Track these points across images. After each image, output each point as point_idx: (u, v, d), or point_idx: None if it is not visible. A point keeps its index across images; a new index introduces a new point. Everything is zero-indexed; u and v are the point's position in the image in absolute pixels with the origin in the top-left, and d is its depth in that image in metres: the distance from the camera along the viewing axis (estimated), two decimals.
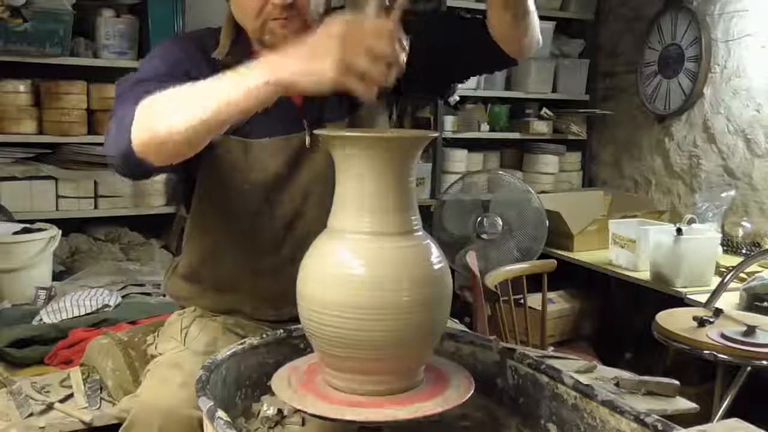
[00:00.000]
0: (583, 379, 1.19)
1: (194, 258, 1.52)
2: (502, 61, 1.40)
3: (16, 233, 2.61)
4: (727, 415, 2.22)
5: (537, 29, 1.36)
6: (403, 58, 1.00)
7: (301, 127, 1.41)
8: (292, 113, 1.41)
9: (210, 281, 1.51)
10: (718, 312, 2.30)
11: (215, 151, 1.37)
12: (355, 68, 0.96)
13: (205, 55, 1.38)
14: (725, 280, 2.46)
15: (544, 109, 4.11)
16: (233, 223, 1.44)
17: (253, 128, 1.38)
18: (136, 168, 1.17)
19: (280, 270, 1.43)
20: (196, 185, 1.44)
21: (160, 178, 2.96)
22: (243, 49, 1.40)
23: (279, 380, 1.12)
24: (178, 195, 1.51)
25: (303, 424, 1.18)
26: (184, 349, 1.43)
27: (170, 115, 1.09)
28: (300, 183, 1.43)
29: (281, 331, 1.29)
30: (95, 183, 3.03)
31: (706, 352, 2.12)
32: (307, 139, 1.41)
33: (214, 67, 1.35)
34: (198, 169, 1.41)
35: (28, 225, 2.69)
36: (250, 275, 1.46)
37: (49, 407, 1.62)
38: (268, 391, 1.19)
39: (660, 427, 0.98)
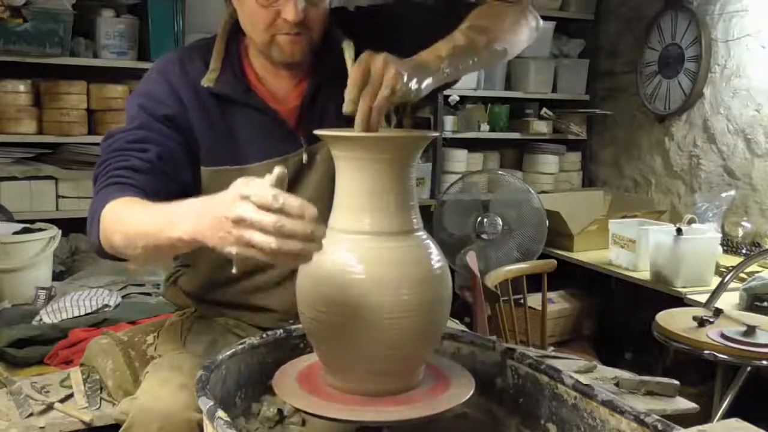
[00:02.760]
0: (583, 379, 1.19)
1: (195, 279, 1.53)
2: None
3: (16, 233, 2.61)
4: (727, 415, 2.22)
5: (524, 22, 1.36)
6: (293, 231, 0.88)
7: (298, 145, 1.40)
8: (288, 133, 1.40)
9: (211, 299, 1.51)
10: (718, 312, 2.30)
11: (212, 183, 1.37)
12: (251, 244, 0.89)
13: (194, 85, 1.37)
14: (725, 280, 2.46)
15: (544, 109, 4.11)
16: None
17: (250, 153, 1.38)
18: (113, 257, 1.22)
19: (280, 285, 1.43)
20: None
21: None
22: (235, 72, 1.39)
23: (279, 380, 1.12)
24: None
25: (303, 424, 1.18)
26: (184, 351, 1.43)
27: (121, 240, 1.14)
28: None
29: (281, 331, 1.29)
30: None
31: (706, 352, 2.13)
32: (304, 157, 1.40)
33: (203, 96, 1.36)
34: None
35: (28, 225, 2.69)
36: (250, 293, 1.46)
37: (49, 407, 1.62)
38: (268, 391, 1.20)
39: (660, 427, 0.98)
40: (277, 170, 0.92)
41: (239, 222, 0.89)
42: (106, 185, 1.23)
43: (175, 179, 1.32)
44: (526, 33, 1.39)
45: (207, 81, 1.37)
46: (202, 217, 0.96)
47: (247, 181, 0.92)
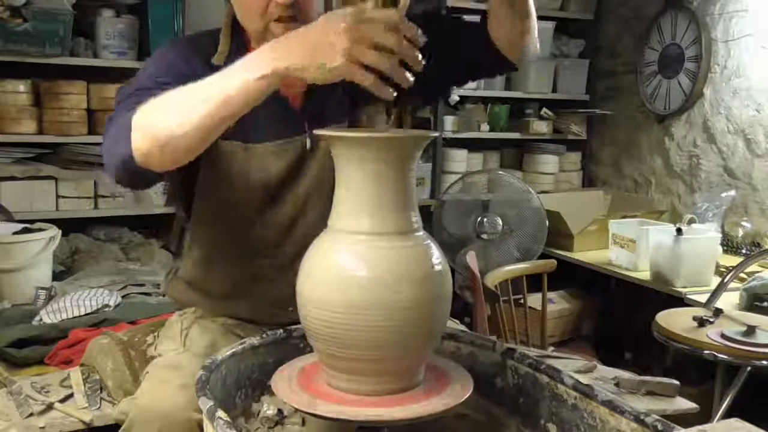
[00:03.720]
0: (583, 379, 1.19)
1: (196, 265, 1.52)
2: (502, 65, 1.41)
3: (16, 233, 2.61)
4: (727, 415, 2.22)
5: (535, 33, 1.36)
6: (415, 54, 0.95)
7: (302, 129, 1.41)
8: (292, 116, 1.41)
9: (211, 287, 1.51)
10: (718, 312, 2.30)
11: (215, 157, 1.37)
12: (363, 60, 0.94)
13: (204, 60, 1.36)
14: (725, 280, 2.46)
15: (544, 109, 4.11)
16: (234, 228, 1.44)
17: (254, 132, 1.38)
18: (136, 176, 1.16)
19: (280, 273, 1.43)
20: (197, 192, 1.43)
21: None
22: (243, 53, 1.39)
23: (279, 380, 1.12)
24: (176, 196, 1.51)
25: (303, 424, 1.18)
26: (183, 351, 1.43)
27: (168, 118, 1.08)
28: (301, 186, 1.42)
29: (281, 331, 1.29)
30: (95, 183, 3.03)
31: (706, 352, 2.12)
32: (308, 142, 1.41)
33: (214, 71, 1.36)
34: (197, 172, 1.40)
35: (28, 225, 2.69)
36: (250, 280, 1.46)
37: (49, 407, 1.62)
38: (268, 391, 1.20)
39: (660, 427, 0.98)
40: None
41: (359, 40, 0.91)
42: (132, 108, 1.16)
43: None
44: (534, 35, 1.39)
45: (217, 60, 1.36)
46: (302, 41, 0.97)
47: (348, 9, 0.94)
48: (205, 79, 1.08)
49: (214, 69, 1.33)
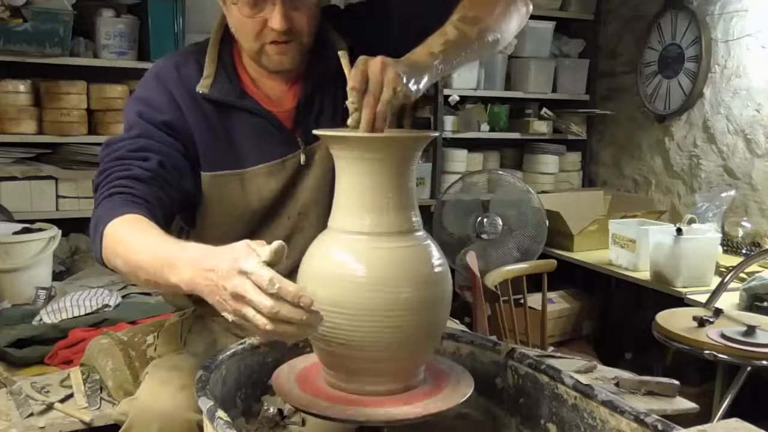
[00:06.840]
0: (583, 379, 1.19)
1: None
2: None
3: (16, 233, 2.61)
4: (727, 415, 2.22)
5: (515, 9, 1.34)
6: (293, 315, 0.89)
7: (296, 147, 1.40)
8: (286, 135, 1.40)
9: None
10: (718, 312, 2.30)
11: (211, 186, 1.37)
12: (245, 319, 0.92)
13: (189, 90, 1.36)
14: (725, 280, 2.46)
15: (544, 109, 4.11)
16: (232, 242, 1.44)
17: (248, 156, 1.38)
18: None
19: None
20: (196, 218, 1.43)
21: None
22: (229, 76, 1.38)
23: (279, 380, 1.12)
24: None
25: (303, 424, 1.19)
26: (183, 351, 1.43)
27: (120, 262, 1.12)
28: (298, 200, 1.42)
29: None
30: None
31: (706, 352, 2.12)
32: (302, 158, 1.40)
33: (200, 101, 1.36)
34: (195, 203, 1.41)
35: (28, 225, 2.69)
36: None
37: (49, 407, 1.62)
38: (268, 391, 1.20)
39: (660, 427, 0.99)
40: (276, 244, 0.91)
41: (236, 297, 0.90)
42: (109, 195, 1.22)
43: (176, 187, 1.31)
44: (517, 20, 1.37)
45: (202, 87, 1.36)
46: (200, 274, 0.96)
47: (247, 250, 0.92)
48: (156, 243, 1.07)
49: (199, 101, 1.35)
